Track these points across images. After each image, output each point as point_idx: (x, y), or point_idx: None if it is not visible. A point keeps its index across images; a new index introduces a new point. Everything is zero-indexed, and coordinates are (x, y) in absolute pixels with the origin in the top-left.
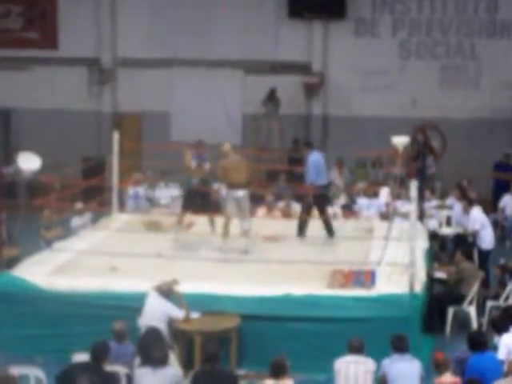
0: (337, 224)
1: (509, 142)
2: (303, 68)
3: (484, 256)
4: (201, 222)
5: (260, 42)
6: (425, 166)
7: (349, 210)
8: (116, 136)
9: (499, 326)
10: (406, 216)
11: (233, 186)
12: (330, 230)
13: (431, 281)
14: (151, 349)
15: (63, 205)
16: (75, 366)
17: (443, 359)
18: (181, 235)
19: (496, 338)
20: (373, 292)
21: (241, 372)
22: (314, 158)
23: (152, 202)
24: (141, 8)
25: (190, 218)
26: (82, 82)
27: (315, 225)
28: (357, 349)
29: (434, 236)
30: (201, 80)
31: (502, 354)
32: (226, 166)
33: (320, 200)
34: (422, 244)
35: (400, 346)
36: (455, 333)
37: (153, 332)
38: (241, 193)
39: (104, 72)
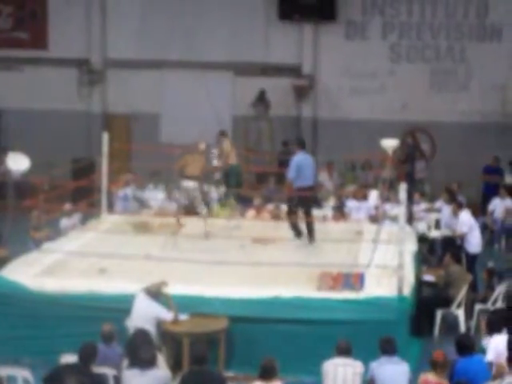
0: (326, 226)
1: (498, 146)
2: (293, 70)
3: (471, 259)
4: (191, 223)
5: (250, 44)
6: (414, 169)
7: (338, 212)
8: (106, 137)
9: (494, 327)
10: (395, 219)
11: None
12: (297, 232)
13: (420, 284)
14: (139, 350)
15: (52, 206)
16: (63, 367)
17: (439, 359)
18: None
19: (484, 342)
20: (361, 295)
21: (229, 374)
22: (299, 158)
23: (142, 203)
24: (131, 9)
25: (180, 219)
26: (72, 82)
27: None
28: (345, 351)
29: (422, 239)
30: (191, 82)
31: (490, 356)
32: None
33: (296, 201)
34: (411, 247)
35: (388, 348)
36: (443, 336)
37: (141, 334)
38: (191, 184)
39: (94, 73)
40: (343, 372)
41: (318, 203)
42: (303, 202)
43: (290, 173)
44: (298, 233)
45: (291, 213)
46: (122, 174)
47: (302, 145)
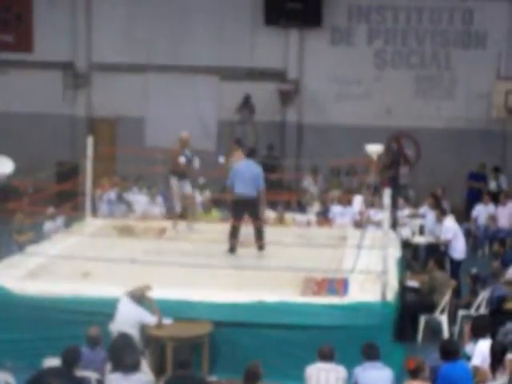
0: (310, 231)
1: (482, 152)
2: (278, 75)
3: (456, 265)
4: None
5: (236, 48)
6: (398, 175)
7: (322, 217)
8: (90, 140)
9: (479, 332)
10: (379, 224)
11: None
12: (232, 246)
13: (403, 289)
14: (123, 355)
15: (36, 209)
16: (46, 371)
17: (413, 366)
18: None
19: (467, 348)
20: (345, 300)
21: (213, 379)
22: (237, 166)
23: (129, 206)
24: (116, 13)
25: (162, 224)
26: (57, 85)
27: (288, 231)
28: (328, 356)
29: (406, 245)
30: (176, 86)
31: (476, 360)
32: None
33: (233, 208)
34: (395, 252)
35: (370, 353)
36: (427, 341)
37: (124, 338)
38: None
39: (78, 76)
40: (326, 377)
41: (302, 208)
42: (244, 209)
43: (228, 180)
44: (232, 247)
45: (235, 220)
46: (106, 178)
47: (249, 154)
